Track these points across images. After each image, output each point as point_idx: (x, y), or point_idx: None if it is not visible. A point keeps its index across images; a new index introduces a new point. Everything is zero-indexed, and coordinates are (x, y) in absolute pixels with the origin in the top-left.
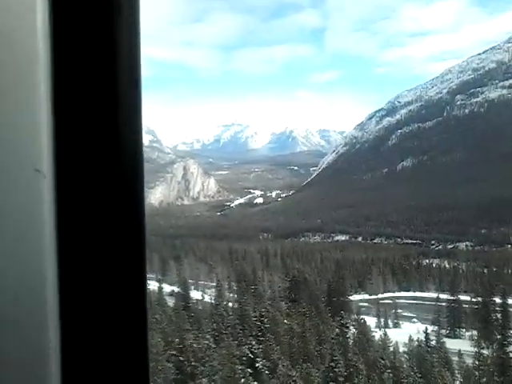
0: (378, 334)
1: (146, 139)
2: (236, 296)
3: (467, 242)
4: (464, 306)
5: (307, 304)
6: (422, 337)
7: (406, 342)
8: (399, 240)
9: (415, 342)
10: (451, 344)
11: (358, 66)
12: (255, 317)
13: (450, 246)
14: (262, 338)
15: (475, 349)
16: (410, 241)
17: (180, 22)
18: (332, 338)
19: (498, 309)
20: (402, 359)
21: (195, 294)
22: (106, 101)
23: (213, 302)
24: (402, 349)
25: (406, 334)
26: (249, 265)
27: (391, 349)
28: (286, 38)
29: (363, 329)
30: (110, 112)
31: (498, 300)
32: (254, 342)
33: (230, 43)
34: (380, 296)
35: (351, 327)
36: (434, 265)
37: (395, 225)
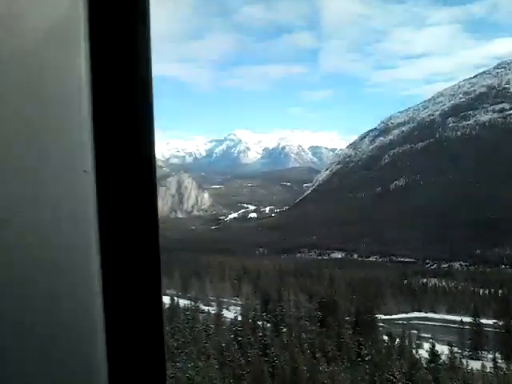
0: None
1: None
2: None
3: (461, 262)
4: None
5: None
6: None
7: None
8: (394, 258)
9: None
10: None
11: (350, 86)
12: None
13: (444, 266)
14: None
15: None
16: (405, 259)
17: (178, 39)
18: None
19: None
20: None
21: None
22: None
23: None
24: None
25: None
26: (267, 282)
27: None
28: (281, 58)
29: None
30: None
31: None
32: None
33: (226, 61)
34: (394, 317)
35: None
36: (433, 284)
37: (390, 243)
